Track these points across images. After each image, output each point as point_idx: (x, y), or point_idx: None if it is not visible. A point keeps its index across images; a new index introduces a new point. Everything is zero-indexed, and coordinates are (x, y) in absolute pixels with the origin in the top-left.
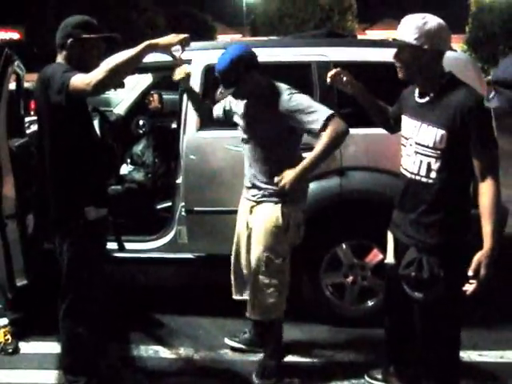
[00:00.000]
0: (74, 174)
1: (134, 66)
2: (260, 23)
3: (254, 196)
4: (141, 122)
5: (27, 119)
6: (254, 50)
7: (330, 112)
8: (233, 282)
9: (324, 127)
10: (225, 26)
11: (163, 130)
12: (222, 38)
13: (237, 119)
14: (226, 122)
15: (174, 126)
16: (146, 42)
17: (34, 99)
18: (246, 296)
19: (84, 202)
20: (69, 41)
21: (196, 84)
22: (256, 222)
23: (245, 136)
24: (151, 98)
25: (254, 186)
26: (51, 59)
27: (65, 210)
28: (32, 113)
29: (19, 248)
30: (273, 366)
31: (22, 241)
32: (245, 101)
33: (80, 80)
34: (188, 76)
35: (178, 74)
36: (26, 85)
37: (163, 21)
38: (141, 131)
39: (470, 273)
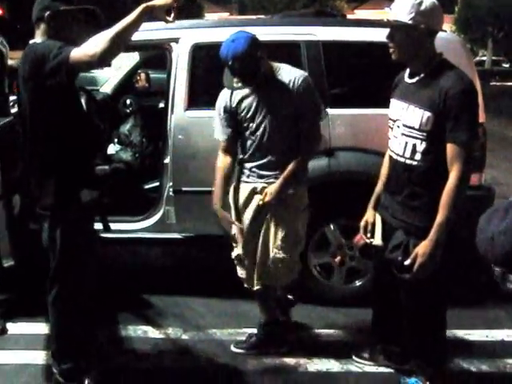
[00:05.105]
0: (67, 156)
1: (133, 31)
2: (248, 1)
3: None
4: (128, 102)
5: (12, 98)
6: (241, 29)
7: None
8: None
9: (318, 127)
10: (212, 4)
11: (150, 110)
12: (210, 17)
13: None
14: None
15: (161, 105)
16: (143, 5)
17: (19, 77)
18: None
19: (78, 185)
20: (47, 13)
21: (184, 63)
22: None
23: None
24: (138, 77)
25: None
26: (34, 36)
27: (58, 194)
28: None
29: (5, 229)
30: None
31: (9, 222)
32: (247, 90)
33: (82, 52)
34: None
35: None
36: (10, 62)
37: None
38: (128, 110)
39: (407, 261)
